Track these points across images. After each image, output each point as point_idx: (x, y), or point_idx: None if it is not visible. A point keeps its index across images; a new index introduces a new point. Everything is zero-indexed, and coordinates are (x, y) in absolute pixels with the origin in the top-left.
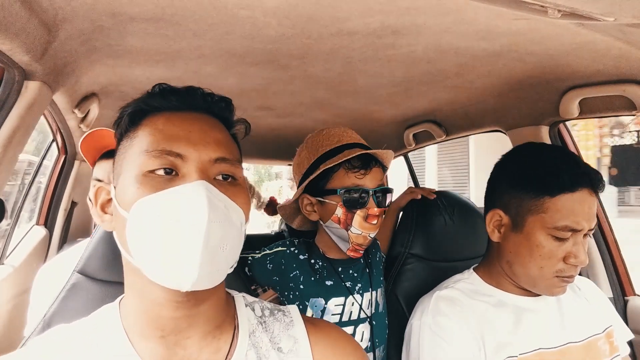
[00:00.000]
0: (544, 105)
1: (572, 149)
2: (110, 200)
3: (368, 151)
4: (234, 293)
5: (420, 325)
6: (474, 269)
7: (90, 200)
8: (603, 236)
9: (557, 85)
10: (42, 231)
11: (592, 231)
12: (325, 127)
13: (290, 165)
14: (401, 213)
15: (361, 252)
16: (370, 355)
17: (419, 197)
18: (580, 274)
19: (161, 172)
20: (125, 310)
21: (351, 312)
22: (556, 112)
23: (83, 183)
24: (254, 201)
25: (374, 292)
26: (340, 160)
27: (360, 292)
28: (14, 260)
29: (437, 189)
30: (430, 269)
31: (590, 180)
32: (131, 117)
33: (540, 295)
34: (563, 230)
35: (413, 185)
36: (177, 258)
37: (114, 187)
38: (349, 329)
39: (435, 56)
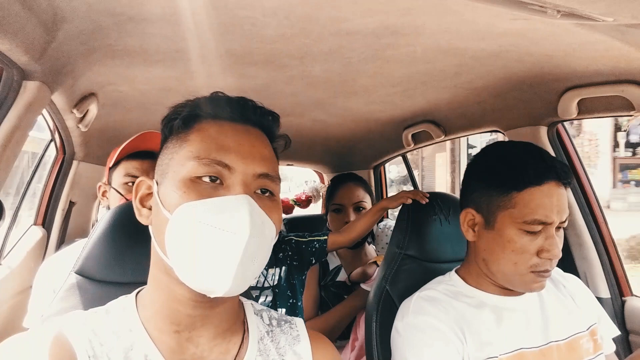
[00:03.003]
0: (543, 106)
1: (571, 149)
2: (150, 194)
3: None
4: (243, 300)
5: (403, 326)
6: (455, 271)
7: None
8: (601, 236)
9: (555, 85)
10: (39, 231)
11: (565, 223)
12: (324, 127)
13: (289, 165)
14: (396, 214)
15: None
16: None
17: (409, 201)
18: (577, 274)
19: (207, 179)
20: (142, 303)
21: (257, 281)
22: (555, 113)
23: (81, 183)
24: None
25: (277, 269)
26: None
27: (266, 267)
28: (11, 260)
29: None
30: (426, 270)
31: (556, 172)
32: (185, 119)
33: (521, 294)
34: (533, 224)
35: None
36: (213, 266)
37: (157, 183)
38: (254, 292)
39: (434, 56)
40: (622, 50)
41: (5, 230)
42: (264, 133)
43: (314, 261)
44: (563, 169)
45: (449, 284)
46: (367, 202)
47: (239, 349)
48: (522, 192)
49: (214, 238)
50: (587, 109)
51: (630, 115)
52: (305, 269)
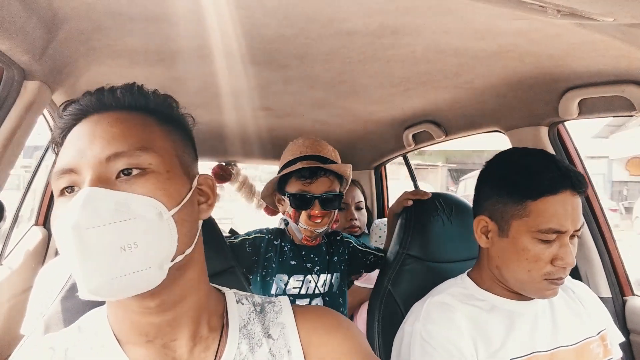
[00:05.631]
0: (543, 106)
1: (572, 149)
2: None
3: (312, 165)
4: (225, 289)
5: (411, 331)
6: (467, 274)
7: None
8: (602, 236)
9: (556, 85)
10: (40, 232)
11: (579, 232)
12: (325, 127)
13: None
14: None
15: (312, 242)
16: None
17: (410, 203)
18: (579, 275)
19: (66, 192)
20: (111, 317)
21: (308, 288)
22: (555, 113)
23: None
24: (254, 200)
25: (329, 275)
26: (288, 171)
27: (318, 272)
28: (12, 261)
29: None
30: (428, 270)
31: (571, 181)
32: (57, 140)
33: (532, 298)
34: (547, 233)
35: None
36: (76, 271)
37: None
38: (305, 301)
39: (434, 56)
40: (623, 50)
41: (6, 231)
42: (133, 112)
43: (362, 272)
44: (578, 178)
45: (461, 286)
46: (363, 202)
47: (219, 342)
48: (537, 201)
49: (61, 246)
50: (587, 109)
51: (631, 116)
52: (349, 276)
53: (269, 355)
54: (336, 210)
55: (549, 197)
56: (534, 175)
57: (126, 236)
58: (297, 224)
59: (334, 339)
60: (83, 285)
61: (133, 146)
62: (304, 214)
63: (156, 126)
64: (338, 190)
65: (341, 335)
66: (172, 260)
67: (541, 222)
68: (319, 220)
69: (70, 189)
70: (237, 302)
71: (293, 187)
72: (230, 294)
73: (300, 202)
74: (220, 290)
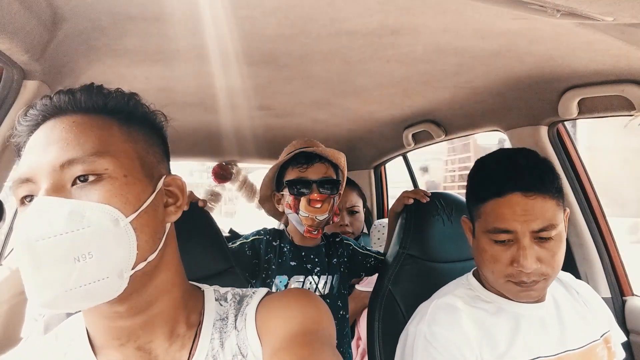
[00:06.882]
0: (543, 105)
1: (571, 149)
2: None
3: (304, 149)
4: (205, 287)
5: (416, 332)
6: (472, 273)
7: None
8: (601, 236)
9: (556, 85)
10: None
11: (550, 233)
12: (324, 127)
13: None
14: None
15: (315, 233)
16: None
17: (411, 202)
18: (578, 275)
19: (25, 200)
20: (86, 322)
21: (309, 289)
22: (555, 112)
23: None
24: (256, 200)
25: (330, 276)
26: (285, 160)
27: (318, 274)
28: (11, 261)
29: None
30: (429, 270)
31: (518, 184)
32: (19, 146)
33: (539, 302)
34: (495, 233)
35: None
36: (29, 285)
37: None
38: None
39: (434, 56)
40: (622, 49)
41: (6, 231)
42: (91, 114)
43: (363, 275)
44: (531, 179)
45: (467, 287)
46: (360, 206)
47: (194, 339)
48: (486, 203)
49: (19, 256)
50: (587, 108)
51: (631, 115)
52: (349, 280)
53: (236, 348)
54: (335, 198)
55: (496, 200)
56: (484, 179)
57: (80, 246)
58: (298, 213)
59: (279, 312)
60: (35, 298)
61: (88, 152)
62: (303, 200)
63: (115, 128)
64: (335, 177)
65: (283, 305)
66: (133, 268)
67: (489, 222)
68: (318, 205)
69: (29, 197)
70: (218, 299)
71: (291, 175)
72: (210, 291)
73: (299, 188)
74: (200, 289)
